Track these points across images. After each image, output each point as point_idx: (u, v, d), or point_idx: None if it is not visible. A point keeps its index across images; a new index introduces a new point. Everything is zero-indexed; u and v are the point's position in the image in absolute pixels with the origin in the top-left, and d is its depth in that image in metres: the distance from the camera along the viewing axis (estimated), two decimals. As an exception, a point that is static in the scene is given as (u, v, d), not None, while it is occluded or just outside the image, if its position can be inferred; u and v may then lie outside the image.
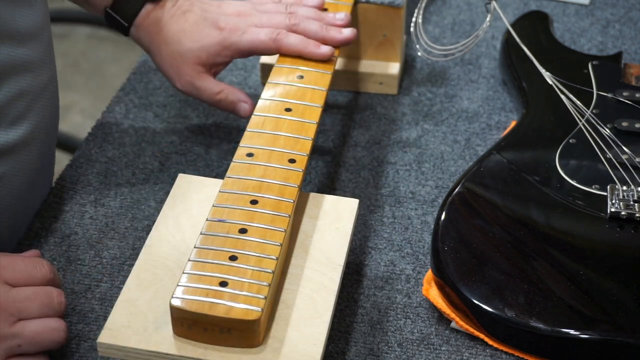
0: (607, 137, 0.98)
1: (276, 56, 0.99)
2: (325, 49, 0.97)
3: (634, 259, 0.88)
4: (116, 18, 0.99)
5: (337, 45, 0.99)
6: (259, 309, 0.72)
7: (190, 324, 0.72)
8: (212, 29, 0.97)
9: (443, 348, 0.84)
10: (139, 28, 1.00)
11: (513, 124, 1.05)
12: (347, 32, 1.00)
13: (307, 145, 0.86)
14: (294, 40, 0.96)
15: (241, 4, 1.01)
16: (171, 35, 0.98)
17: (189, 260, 0.76)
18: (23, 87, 0.86)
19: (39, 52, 0.88)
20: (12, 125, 0.86)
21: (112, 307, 0.77)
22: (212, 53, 0.98)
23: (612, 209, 0.90)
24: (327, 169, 1.03)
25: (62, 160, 1.03)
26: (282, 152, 0.85)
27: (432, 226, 0.92)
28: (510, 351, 0.83)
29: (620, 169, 0.94)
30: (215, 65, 0.99)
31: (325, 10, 1.03)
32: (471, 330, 0.84)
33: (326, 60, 0.97)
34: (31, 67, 0.87)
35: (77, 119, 2.35)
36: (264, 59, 1.13)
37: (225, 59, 0.99)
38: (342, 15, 1.01)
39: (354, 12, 1.08)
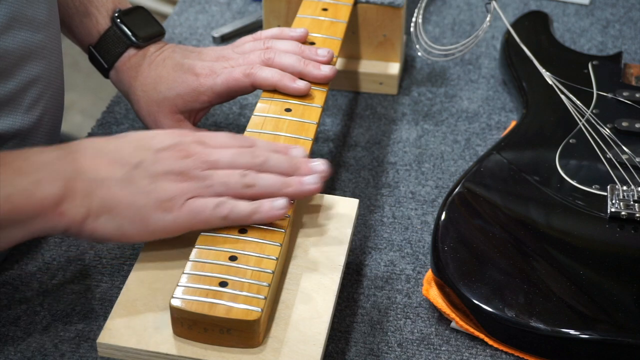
0: (607, 137, 0.98)
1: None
2: (301, 84, 0.92)
3: (634, 259, 0.88)
4: (98, 58, 1.00)
5: (315, 81, 0.94)
6: (259, 309, 0.72)
7: (190, 324, 0.72)
8: (188, 75, 0.95)
9: (443, 348, 0.84)
10: (118, 72, 0.99)
11: (513, 124, 1.05)
12: (326, 70, 0.94)
13: (307, 146, 0.86)
14: (267, 74, 0.93)
15: (221, 49, 0.99)
16: (148, 82, 0.97)
17: (189, 260, 0.76)
18: (38, 73, 0.87)
19: (52, 39, 0.89)
20: (28, 110, 0.87)
21: (112, 307, 0.77)
22: (189, 100, 0.96)
23: (612, 209, 0.90)
24: (327, 169, 1.03)
25: (62, 160, 1.03)
26: (282, 152, 0.85)
27: (432, 226, 0.92)
28: (510, 351, 0.83)
29: (620, 169, 0.94)
30: (194, 112, 0.97)
31: (312, 43, 0.99)
32: (471, 330, 0.84)
33: (302, 95, 0.92)
34: (45, 54, 0.88)
35: (77, 119, 2.35)
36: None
37: (203, 105, 0.96)
38: (325, 52, 0.96)
39: (354, 12, 1.08)
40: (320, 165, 0.81)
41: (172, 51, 0.98)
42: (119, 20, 0.99)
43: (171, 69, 0.96)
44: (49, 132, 0.91)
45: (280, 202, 0.78)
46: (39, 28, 0.86)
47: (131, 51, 0.98)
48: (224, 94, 0.95)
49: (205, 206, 0.77)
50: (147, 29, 0.99)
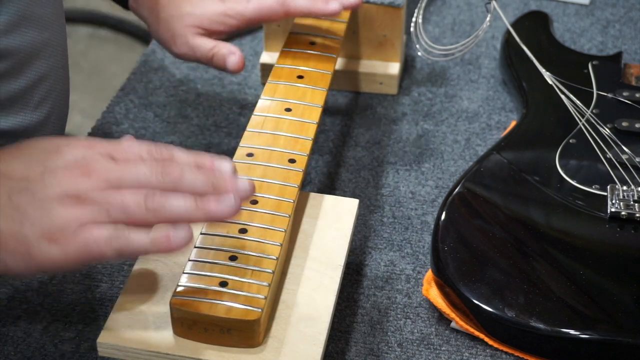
0: (607, 137, 0.98)
1: (276, 56, 0.99)
2: (335, 5, 0.93)
3: (634, 259, 0.88)
4: None
5: (346, 6, 0.94)
6: (259, 309, 0.72)
7: (190, 324, 0.72)
8: (214, 1, 0.95)
9: (443, 348, 0.84)
10: (137, 0, 0.99)
11: (513, 124, 1.05)
12: None
13: (307, 145, 0.86)
14: (301, 1, 0.93)
15: None
16: (170, 3, 0.96)
17: (189, 260, 0.76)
18: (45, 70, 0.87)
19: (58, 38, 0.89)
20: (36, 108, 0.87)
21: (112, 307, 0.77)
22: (215, 21, 0.94)
23: (612, 209, 0.90)
24: (327, 169, 1.03)
25: (62, 160, 1.03)
26: (282, 152, 0.85)
27: (432, 226, 0.92)
28: (510, 351, 0.83)
29: (620, 169, 0.94)
30: (215, 33, 0.95)
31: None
32: (471, 330, 0.84)
33: (336, 15, 0.93)
34: (52, 52, 0.88)
35: (77, 119, 2.35)
36: (264, 59, 1.13)
37: (229, 28, 0.95)
38: None
39: (354, 12, 1.08)
40: (242, 183, 0.70)
41: None
42: None
43: None
44: (55, 129, 0.91)
45: (181, 234, 0.67)
46: (46, 26, 0.87)
47: None
48: (254, 20, 0.94)
49: (97, 238, 0.66)
50: None
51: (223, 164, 0.71)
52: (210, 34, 0.95)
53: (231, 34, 0.96)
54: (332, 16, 0.93)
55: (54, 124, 0.90)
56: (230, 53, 0.94)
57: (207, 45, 0.95)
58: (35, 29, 0.86)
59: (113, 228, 0.67)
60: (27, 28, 0.85)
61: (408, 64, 1.18)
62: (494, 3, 1.09)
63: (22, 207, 0.68)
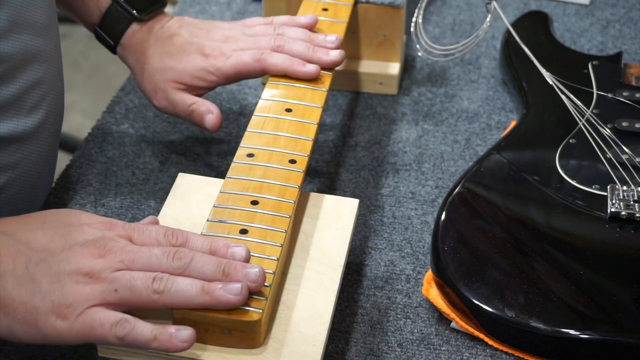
0: (607, 137, 0.98)
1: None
2: (311, 67, 0.93)
3: (634, 259, 0.88)
4: (104, 36, 1.00)
5: (324, 66, 0.95)
6: (260, 310, 0.72)
7: (191, 324, 0.72)
8: (197, 55, 0.96)
9: (443, 348, 0.84)
10: (124, 48, 1.00)
11: (513, 124, 1.05)
12: (335, 54, 0.95)
13: (308, 146, 0.86)
14: (278, 60, 0.94)
15: (230, 28, 1.00)
16: (155, 56, 0.98)
17: (190, 260, 0.76)
18: (39, 76, 0.88)
19: (52, 44, 0.89)
20: (29, 113, 0.87)
21: (112, 307, 0.77)
22: (196, 76, 0.96)
23: (612, 209, 0.90)
24: (327, 169, 1.03)
25: (62, 160, 1.03)
26: (282, 153, 0.85)
27: (432, 226, 0.92)
28: (510, 351, 0.83)
29: (620, 169, 0.94)
30: (195, 88, 0.97)
31: (318, 30, 1.01)
32: (471, 330, 0.84)
33: (313, 79, 0.94)
34: (45, 57, 0.88)
35: (77, 119, 2.35)
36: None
37: (209, 84, 0.97)
38: (333, 38, 0.98)
39: (354, 12, 1.08)
40: (253, 273, 0.71)
41: (179, 27, 0.99)
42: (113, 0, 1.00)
43: (179, 46, 0.97)
44: (50, 135, 0.91)
45: (184, 335, 0.69)
46: (39, 32, 0.87)
47: (135, 27, 0.99)
48: (233, 76, 0.96)
49: (104, 321, 0.69)
50: (147, 3, 1.00)
51: (237, 251, 0.73)
52: (191, 89, 0.97)
53: (210, 90, 0.99)
54: (308, 78, 0.94)
55: (49, 130, 0.91)
56: (208, 112, 0.96)
57: (186, 101, 0.97)
58: (28, 35, 0.86)
59: (121, 315, 0.70)
60: (20, 34, 0.85)
61: (408, 64, 1.18)
62: (494, 3, 1.09)
63: (37, 279, 0.71)
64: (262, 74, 0.95)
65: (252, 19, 1.01)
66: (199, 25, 1.00)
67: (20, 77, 0.86)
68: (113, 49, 1.01)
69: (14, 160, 0.88)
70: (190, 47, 0.97)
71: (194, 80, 0.96)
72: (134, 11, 0.99)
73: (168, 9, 1.06)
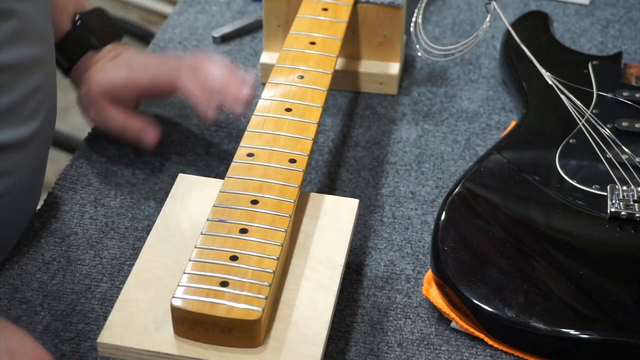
0: (607, 137, 0.98)
1: (276, 56, 0.99)
2: (211, 114, 0.94)
3: (634, 259, 0.88)
4: (59, 60, 1.01)
5: (229, 111, 0.96)
6: (260, 309, 0.72)
7: (191, 324, 0.72)
8: (124, 68, 0.99)
9: (443, 348, 0.84)
10: (74, 70, 1.03)
11: (513, 124, 1.05)
12: (239, 108, 0.93)
13: (308, 146, 0.86)
14: (192, 81, 0.95)
15: (172, 57, 1.03)
16: (92, 73, 1.00)
17: (190, 260, 0.76)
18: (37, 84, 0.89)
19: (49, 51, 0.90)
20: (27, 120, 0.88)
21: (112, 307, 0.77)
22: (118, 87, 0.98)
23: (612, 209, 0.90)
24: (327, 169, 1.03)
25: (62, 160, 1.03)
26: (282, 152, 0.85)
27: (432, 226, 0.92)
28: (510, 351, 0.83)
29: (620, 169, 0.94)
30: (122, 102, 0.99)
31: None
32: (471, 330, 0.84)
33: (210, 119, 0.95)
34: (43, 66, 0.89)
35: (77, 119, 2.34)
36: (264, 59, 1.13)
37: (131, 97, 0.99)
38: (248, 91, 0.94)
39: (354, 12, 1.08)
40: None
41: (124, 50, 1.02)
42: (79, 23, 1.01)
43: (114, 63, 1.00)
44: (43, 142, 0.92)
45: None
46: (38, 41, 0.88)
47: (90, 52, 1.02)
48: (148, 88, 0.98)
49: None
50: (106, 33, 1.03)
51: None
52: (119, 102, 0.99)
53: (137, 103, 1.01)
54: (204, 119, 0.96)
55: (43, 137, 0.92)
56: (145, 130, 0.99)
57: (119, 117, 0.99)
58: (30, 44, 0.87)
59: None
60: (23, 43, 0.86)
61: (408, 64, 1.18)
62: (494, 3, 1.09)
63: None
64: (174, 89, 0.96)
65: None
66: (146, 53, 1.04)
67: (21, 84, 0.87)
68: (66, 72, 1.03)
69: (12, 166, 0.88)
70: (122, 62, 1.00)
71: (119, 92, 0.98)
72: (93, 41, 1.02)
73: (168, 8, 1.06)
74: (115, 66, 1.00)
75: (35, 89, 0.88)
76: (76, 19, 1.02)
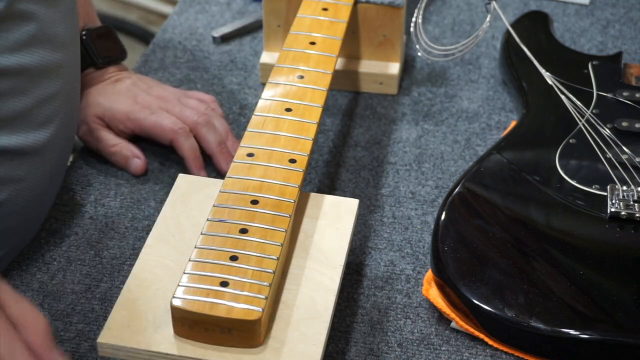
0: (607, 137, 0.98)
1: (276, 56, 0.99)
2: (201, 174, 0.98)
3: (634, 259, 0.88)
4: None
5: (218, 171, 1.00)
6: (260, 309, 0.72)
7: (191, 324, 0.72)
8: (127, 99, 1.01)
9: (443, 348, 0.84)
10: None
11: (513, 124, 1.05)
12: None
13: (308, 146, 0.86)
14: (187, 145, 0.99)
15: (170, 91, 1.04)
16: (92, 93, 1.02)
17: (190, 260, 0.76)
18: (53, 91, 0.88)
19: (71, 59, 0.91)
20: (40, 127, 0.87)
21: (112, 307, 0.77)
22: (118, 119, 1.00)
23: (612, 209, 0.90)
24: (327, 169, 1.03)
25: (62, 160, 1.03)
26: (282, 152, 0.85)
27: (432, 226, 0.92)
28: (510, 351, 0.83)
29: (620, 169, 0.94)
30: (116, 131, 1.01)
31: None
32: (471, 330, 0.84)
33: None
34: (63, 72, 0.89)
35: (77, 119, 2.34)
36: (264, 59, 1.13)
37: (127, 130, 1.01)
38: None
39: (354, 12, 1.08)
40: None
41: (128, 77, 1.04)
42: (85, 38, 1.02)
43: (117, 90, 1.02)
44: (60, 150, 0.91)
45: None
46: (58, 47, 0.88)
47: (91, 69, 1.03)
48: (148, 131, 1.00)
49: None
50: (109, 53, 1.04)
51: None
52: (112, 130, 1.01)
53: (126, 137, 1.02)
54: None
55: (59, 145, 0.90)
56: (134, 156, 1.00)
57: (110, 140, 1.01)
58: (48, 49, 0.87)
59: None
60: (39, 47, 0.86)
61: (408, 64, 1.18)
62: (494, 3, 1.09)
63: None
64: (171, 144, 1.00)
65: (195, 92, 1.05)
66: (146, 80, 1.04)
67: (35, 90, 0.86)
68: None
69: (21, 173, 0.87)
70: (127, 92, 1.01)
71: (114, 122, 1.00)
72: (95, 58, 1.03)
73: (168, 8, 1.06)
74: (120, 95, 1.01)
75: (51, 95, 0.88)
76: (82, 33, 1.02)
